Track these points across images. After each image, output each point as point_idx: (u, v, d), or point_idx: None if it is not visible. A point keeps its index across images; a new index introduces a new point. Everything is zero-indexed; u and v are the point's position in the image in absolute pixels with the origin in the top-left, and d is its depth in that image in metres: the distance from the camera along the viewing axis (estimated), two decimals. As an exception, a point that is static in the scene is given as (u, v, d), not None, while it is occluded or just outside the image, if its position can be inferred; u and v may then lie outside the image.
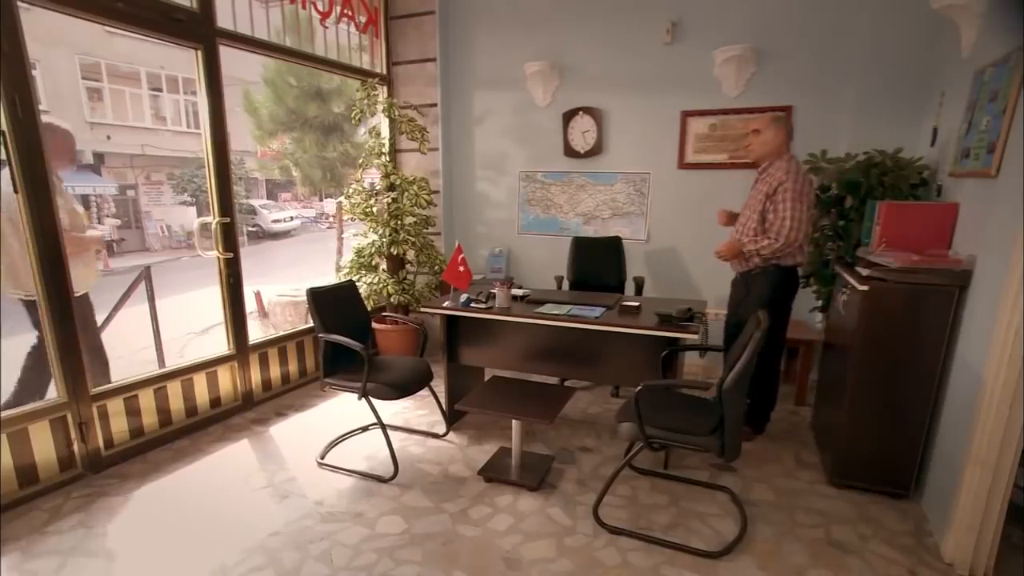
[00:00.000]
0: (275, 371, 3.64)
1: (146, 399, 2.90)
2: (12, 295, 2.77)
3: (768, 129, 2.70)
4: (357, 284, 3.52)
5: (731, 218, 2.97)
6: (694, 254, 3.96)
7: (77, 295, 2.68)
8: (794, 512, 2.39)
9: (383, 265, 4.15)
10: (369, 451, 2.92)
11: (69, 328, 2.52)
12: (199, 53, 2.97)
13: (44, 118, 2.55)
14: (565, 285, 3.92)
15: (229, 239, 3.20)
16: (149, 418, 2.92)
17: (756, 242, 2.69)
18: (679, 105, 3.80)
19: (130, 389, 2.83)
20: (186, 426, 3.08)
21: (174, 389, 3.04)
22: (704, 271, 3.96)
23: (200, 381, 3.17)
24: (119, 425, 2.78)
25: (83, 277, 2.83)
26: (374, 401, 2.72)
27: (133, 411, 2.84)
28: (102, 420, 2.70)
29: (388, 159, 4.14)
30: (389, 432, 2.78)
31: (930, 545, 2.16)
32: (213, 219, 3.13)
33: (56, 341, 2.49)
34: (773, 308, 2.54)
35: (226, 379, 3.32)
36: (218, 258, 3.19)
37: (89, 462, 2.65)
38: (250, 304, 4.26)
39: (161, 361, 3.76)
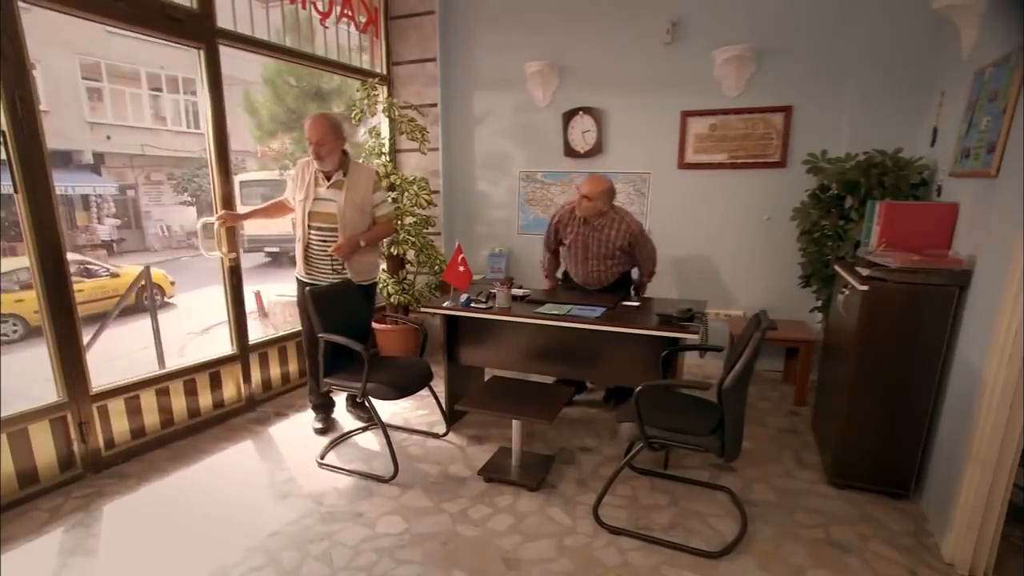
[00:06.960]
0: (275, 371, 3.64)
1: (147, 399, 2.90)
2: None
3: (598, 200, 3.08)
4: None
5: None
6: (694, 254, 3.97)
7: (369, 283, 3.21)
8: (794, 512, 2.39)
9: (383, 265, 4.15)
10: (369, 451, 2.93)
11: (69, 327, 2.52)
12: (201, 53, 2.97)
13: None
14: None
15: (232, 240, 3.21)
16: (150, 418, 2.91)
17: (646, 269, 3.34)
18: (679, 105, 3.80)
19: (131, 389, 2.83)
20: (187, 427, 3.08)
21: (176, 388, 3.04)
22: (704, 271, 3.97)
23: (203, 381, 3.17)
24: (120, 425, 2.78)
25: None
26: (374, 401, 2.72)
27: (134, 411, 2.84)
28: (103, 420, 2.70)
29: (388, 159, 4.14)
30: (389, 432, 2.78)
31: (930, 545, 2.16)
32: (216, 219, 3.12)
33: (55, 340, 2.49)
34: None
35: (229, 379, 3.32)
36: (221, 259, 3.19)
37: (89, 462, 2.65)
38: (250, 304, 4.26)
39: (161, 361, 3.73)
